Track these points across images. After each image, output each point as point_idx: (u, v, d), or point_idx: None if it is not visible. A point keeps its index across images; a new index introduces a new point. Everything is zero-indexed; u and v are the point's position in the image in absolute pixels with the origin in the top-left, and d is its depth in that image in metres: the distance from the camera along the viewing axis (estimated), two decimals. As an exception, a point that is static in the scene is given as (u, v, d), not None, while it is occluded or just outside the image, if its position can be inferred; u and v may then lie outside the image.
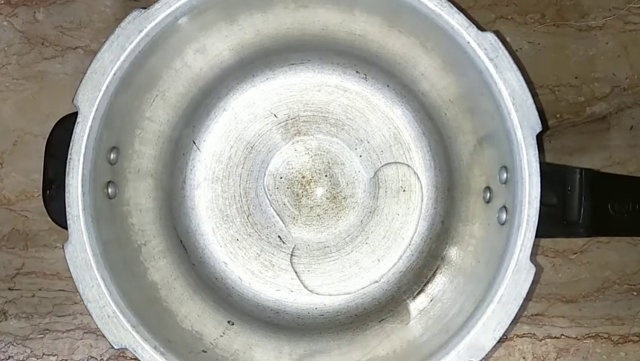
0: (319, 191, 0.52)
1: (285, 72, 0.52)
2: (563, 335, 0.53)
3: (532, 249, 0.40)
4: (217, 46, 0.47)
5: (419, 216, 0.52)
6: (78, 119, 0.41)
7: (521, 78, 0.40)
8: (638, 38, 0.54)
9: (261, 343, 0.48)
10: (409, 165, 0.51)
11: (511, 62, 0.40)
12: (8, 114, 0.55)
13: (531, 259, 0.40)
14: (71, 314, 0.54)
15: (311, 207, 0.52)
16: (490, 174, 0.45)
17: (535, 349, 0.53)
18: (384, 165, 0.52)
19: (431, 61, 0.46)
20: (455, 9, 0.40)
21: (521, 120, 0.40)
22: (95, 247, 0.41)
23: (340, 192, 0.52)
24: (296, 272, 0.52)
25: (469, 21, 0.40)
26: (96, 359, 0.54)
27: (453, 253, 0.49)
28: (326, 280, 0.52)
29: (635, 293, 0.53)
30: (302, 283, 0.52)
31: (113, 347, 0.41)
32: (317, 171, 0.52)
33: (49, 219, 0.44)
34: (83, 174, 0.41)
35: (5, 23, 0.55)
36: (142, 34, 0.41)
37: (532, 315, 0.53)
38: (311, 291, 0.52)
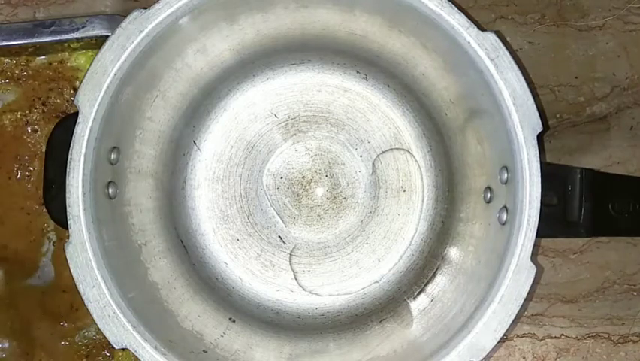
0: (319, 191, 0.52)
1: (286, 72, 0.52)
2: (563, 335, 0.53)
3: (533, 249, 0.40)
4: (217, 46, 0.47)
5: (420, 216, 0.52)
6: (79, 120, 0.41)
7: (522, 78, 0.40)
8: (638, 38, 0.54)
9: (262, 343, 0.48)
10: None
11: (512, 62, 0.40)
12: (8, 114, 0.54)
13: (531, 259, 0.40)
14: (71, 314, 0.54)
15: (311, 207, 0.52)
16: (491, 174, 0.45)
17: (535, 349, 0.53)
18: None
19: (432, 61, 0.46)
20: (456, 9, 0.40)
21: (522, 120, 0.40)
22: (95, 247, 0.41)
23: (341, 192, 0.52)
24: (295, 273, 0.52)
25: (469, 21, 0.40)
26: (96, 359, 0.54)
27: (453, 253, 0.49)
28: (326, 280, 0.52)
29: (635, 293, 0.53)
30: (299, 284, 0.52)
31: (113, 347, 0.41)
32: (317, 171, 0.52)
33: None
34: (83, 175, 0.41)
35: (5, 23, 0.55)
36: (142, 35, 0.41)
37: (532, 315, 0.53)
38: (311, 291, 0.52)
